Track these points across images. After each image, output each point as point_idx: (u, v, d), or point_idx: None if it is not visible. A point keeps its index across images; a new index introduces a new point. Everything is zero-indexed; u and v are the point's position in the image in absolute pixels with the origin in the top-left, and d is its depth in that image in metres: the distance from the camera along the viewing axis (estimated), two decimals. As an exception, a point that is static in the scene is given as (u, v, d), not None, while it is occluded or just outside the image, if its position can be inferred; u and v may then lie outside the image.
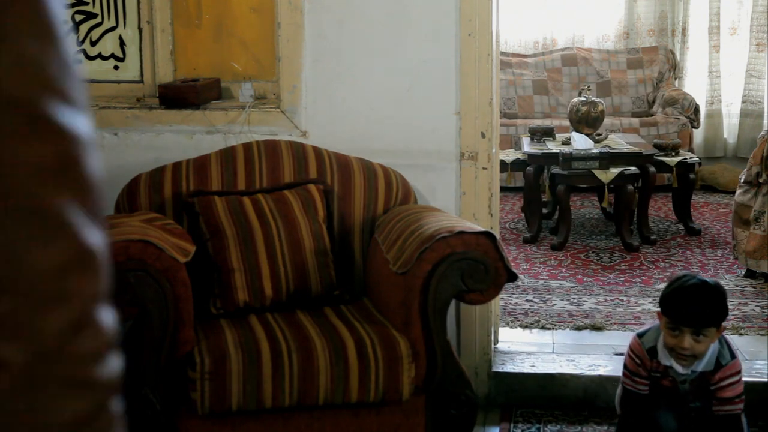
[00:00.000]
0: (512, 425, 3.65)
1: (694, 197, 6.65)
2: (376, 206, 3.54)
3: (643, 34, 8.45)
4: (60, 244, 0.79)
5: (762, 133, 5.31)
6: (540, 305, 4.89)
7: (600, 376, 3.81)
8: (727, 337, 3.18)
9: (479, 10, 3.65)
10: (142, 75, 4.11)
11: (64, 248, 0.79)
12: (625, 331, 4.39)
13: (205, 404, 2.91)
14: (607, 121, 7.00)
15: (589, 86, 6.67)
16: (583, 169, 5.95)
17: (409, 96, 3.73)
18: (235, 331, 3.05)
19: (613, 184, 5.97)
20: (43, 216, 0.78)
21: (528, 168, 6.25)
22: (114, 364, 0.82)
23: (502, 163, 5.80)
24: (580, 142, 6.12)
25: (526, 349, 4.14)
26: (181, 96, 3.85)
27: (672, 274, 5.42)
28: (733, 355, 3.06)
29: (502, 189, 4.91)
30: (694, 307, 2.93)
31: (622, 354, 3.96)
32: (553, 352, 4.13)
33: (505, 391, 3.83)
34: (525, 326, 4.54)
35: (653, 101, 8.13)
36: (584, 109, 6.33)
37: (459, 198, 3.74)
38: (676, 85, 8.27)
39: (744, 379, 3.10)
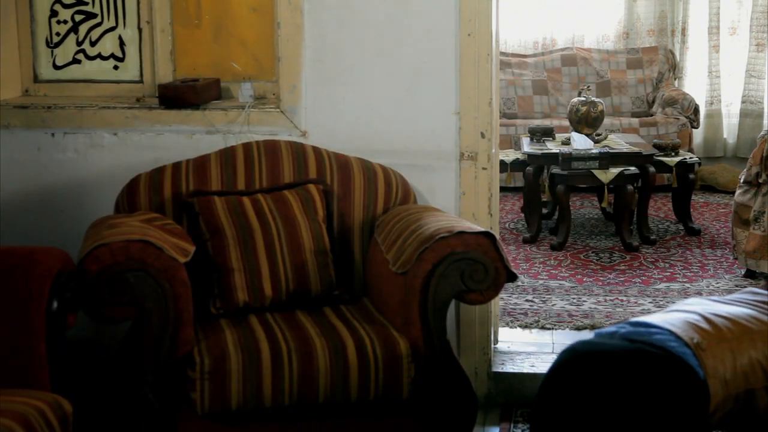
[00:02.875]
0: (512, 425, 3.65)
1: (693, 197, 6.65)
2: (376, 206, 3.54)
3: (642, 34, 8.45)
4: None
5: (762, 133, 5.31)
6: (540, 305, 4.89)
7: (600, 376, 3.80)
8: None
9: (479, 10, 3.65)
10: (141, 75, 4.12)
11: None
12: (624, 331, 4.39)
13: (205, 404, 2.91)
14: (606, 121, 6.99)
15: (588, 86, 6.67)
16: (583, 169, 5.95)
17: (409, 96, 3.73)
18: (235, 331, 3.05)
19: (612, 184, 5.97)
20: None
21: (528, 168, 6.25)
22: None
23: (502, 163, 5.80)
24: (580, 142, 6.13)
25: (525, 349, 4.14)
26: (181, 96, 3.85)
27: (671, 274, 5.43)
28: None
29: (502, 189, 4.91)
30: None
31: None
32: (552, 352, 4.13)
33: (505, 391, 3.83)
34: (525, 326, 4.54)
35: (653, 101, 8.13)
36: (584, 109, 6.33)
37: (459, 198, 3.74)
38: (676, 85, 8.27)
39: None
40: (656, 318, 2.43)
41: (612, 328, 2.42)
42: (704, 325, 2.38)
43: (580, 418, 2.23)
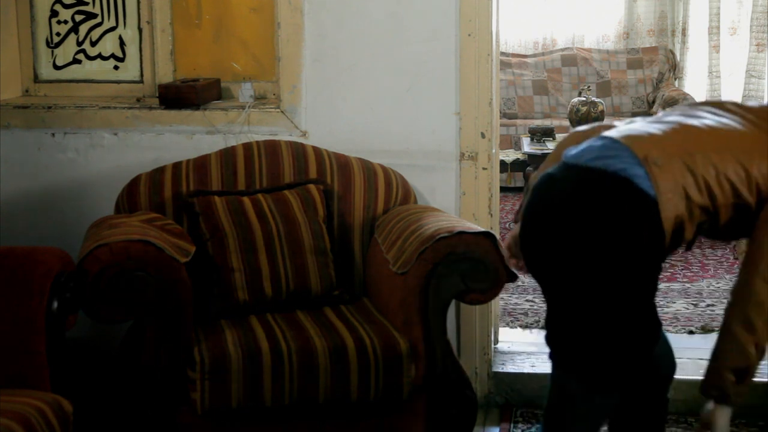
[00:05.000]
0: (512, 425, 3.65)
1: (694, 197, 6.63)
2: (376, 206, 3.54)
3: (643, 34, 8.45)
4: None
5: (762, 133, 5.30)
6: (540, 305, 4.89)
7: (600, 376, 3.80)
8: None
9: (479, 10, 3.65)
10: (142, 75, 4.12)
11: None
12: (625, 331, 4.39)
13: (205, 404, 2.91)
14: (607, 121, 6.98)
15: (589, 86, 6.67)
16: (583, 169, 5.94)
17: (409, 96, 3.73)
18: (235, 331, 3.05)
19: (613, 184, 5.96)
20: None
21: (528, 168, 6.25)
22: None
23: (502, 163, 5.81)
24: (580, 142, 6.11)
25: (526, 349, 4.13)
26: (181, 96, 3.85)
27: (672, 274, 5.42)
28: None
29: (502, 189, 4.91)
30: None
31: None
32: (553, 352, 4.12)
33: (505, 391, 3.83)
34: (525, 326, 4.54)
35: (653, 101, 8.13)
36: (584, 109, 6.33)
37: (459, 198, 3.74)
38: (676, 85, 8.28)
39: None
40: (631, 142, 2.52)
41: (583, 147, 2.57)
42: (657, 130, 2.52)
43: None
